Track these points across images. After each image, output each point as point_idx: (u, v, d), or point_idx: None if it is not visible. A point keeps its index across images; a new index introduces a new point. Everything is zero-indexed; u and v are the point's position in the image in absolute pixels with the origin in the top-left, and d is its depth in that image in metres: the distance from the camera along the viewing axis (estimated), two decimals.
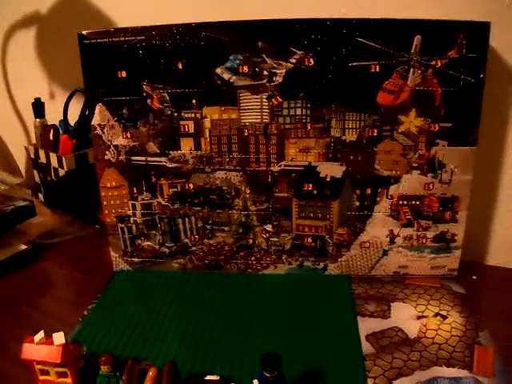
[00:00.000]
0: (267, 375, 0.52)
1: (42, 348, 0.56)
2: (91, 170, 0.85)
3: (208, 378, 0.56)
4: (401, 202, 0.75)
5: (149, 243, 0.81)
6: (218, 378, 0.55)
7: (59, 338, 0.57)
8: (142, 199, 0.79)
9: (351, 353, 0.63)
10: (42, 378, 0.58)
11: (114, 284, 0.80)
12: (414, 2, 0.74)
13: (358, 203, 0.75)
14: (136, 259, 0.82)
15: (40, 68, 1.10)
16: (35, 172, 1.09)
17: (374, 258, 0.78)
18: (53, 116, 1.05)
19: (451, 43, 0.67)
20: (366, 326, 0.68)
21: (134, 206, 0.79)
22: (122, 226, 0.81)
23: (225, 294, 0.76)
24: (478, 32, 0.66)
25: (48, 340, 0.57)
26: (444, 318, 0.70)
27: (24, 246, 0.91)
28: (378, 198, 0.75)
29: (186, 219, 0.79)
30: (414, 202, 0.75)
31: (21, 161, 1.20)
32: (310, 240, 0.78)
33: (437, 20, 0.66)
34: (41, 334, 0.57)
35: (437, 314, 0.70)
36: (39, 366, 0.57)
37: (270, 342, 0.65)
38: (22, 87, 1.10)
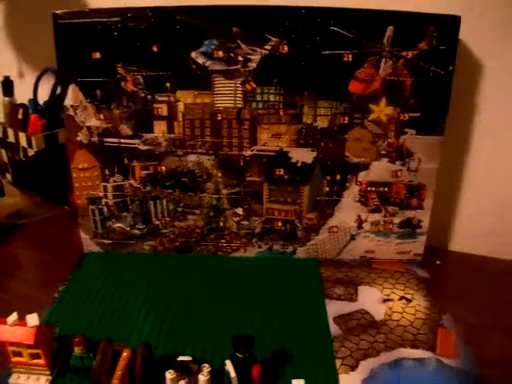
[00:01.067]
0: (239, 356, 0.53)
1: (16, 329, 0.56)
2: (61, 150, 0.85)
3: (180, 358, 0.57)
4: (369, 189, 0.77)
5: (120, 225, 0.81)
6: (190, 358, 0.56)
7: (33, 319, 0.57)
8: (114, 181, 0.79)
9: (320, 334, 0.65)
10: (14, 359, 0.58)
11: (85, 266, 0.80)
12: None
13: (327, 189, 0.77)
14: (107, 241, 0.82)
15: (9, 46, 1.07)
16: (3, 151, 1.07)
17: (341, 242, 0.80)
18: (22, 95, 1.03)
19: (422, 35, 0.68)
20: (334, 308, 0.70)
21: (105, 187, 0.79)
22: (93, 207, 0.80)
23: (195, 276, 0.77)
24: (448, 25, 0.68)
25: (21, 322, 0.57)
26: (409, 301, 0.73)
27: None
28: (348, 184, 0.77)
29: (158, 201, 0.79)
30: (382, 189, 0.77)
31: None
32: (279, 224, 0.79)
33: (409, 12, 0.68)
34: (14, 316, 0.57)
35: (402, 298, 0.73)
36: (12, 348, 0.57)
37: (241, 324, 0.67)
38: None
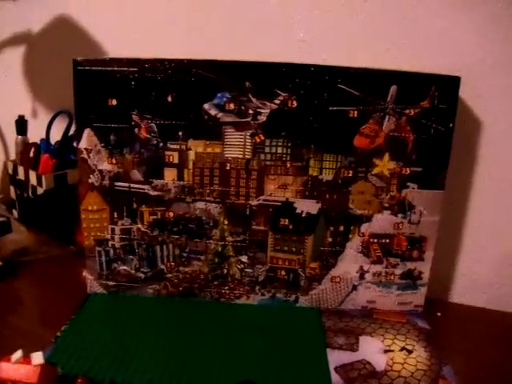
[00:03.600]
0: None
1: (20, 367, 0.57)
2: (70, 190, 0.87)
3: None
4: (371, 240, 0.79)
5: (125, 267, 0.82)
6: None
7: (38, 358, 0.58)
8: (122, 224, 0.80)
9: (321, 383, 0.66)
10: None
11: (88, 306, 0.81)
12: (391, 53, 0.80)
13: (331, 239, 0.79)
14: (111, 283, 0.83)
15: (26, 86, 1.11)
16: (12, 188, 1.09)
17: (343, 292, 0.81)
18: (34, 134, 1.06)
19: (424, 94, 0.72)
20: (336, 358, 0.71)
21: (113, 230, 0.81)
22: (100, 249, 0.82)
23: (198, 321, 0.78)
24: (448, 85, 0.71)
25: (25, 359, 0.57)
26: (410, 352, 0.73)
27: None
28: (350, 235, 0.78)
29: (164, 246, 0.81)
30: (383, 240, 0.79)
31: None
32: (283, 273, 0.80)
33: (412, 72, 0.72)
34: (18, 354, 0.57)
35: (403, 349, 0.74)
36: None
37: (243, 371, 0.67)
38: (6, 104, 1.10)
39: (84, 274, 0.83)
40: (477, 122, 0.81)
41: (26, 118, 1.07)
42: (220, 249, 0.80)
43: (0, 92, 1.13)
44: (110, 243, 0.81)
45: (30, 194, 1.03)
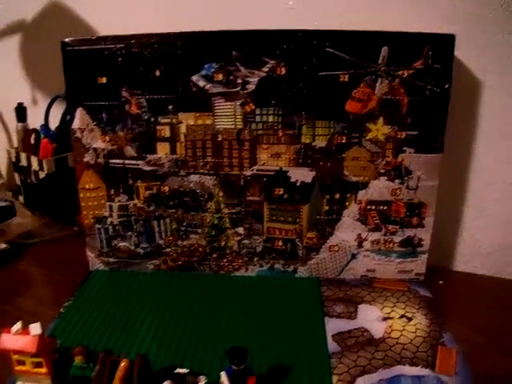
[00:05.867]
0: (234, 368, 0.54)
1: (19, 338, 0.58)
2: (70, 173, 0.87)
3: (177, 371, 0.57)
4: (369, 207, 0.78)
5: (125, 244, 0.83)
6: (187, 371, 0.57)
7: (36, 328, 0.59)
8: (119, 201, 0.81)
9: (318, 351, 0.65)
10: (18, 368, 0.59)
11: (90, 283, 0.82)
12: (381, 14, 0.78)
13: (327, 208, 0.78)
14: (112, 259, 0.84)
15: (23, 74, 1.12)
16: (16, 175, 1.11)
17: (342, 261, 0.80)
18: (34, 120, 1.07)
19: (417, 54, 0.70)
20: (333, 326, 0.70)
21: (111, 207, 0.81)
22: (99, 226, 0.82)
23: (197, 294, 0.78)
24: (443, 43, 0.70)
25: (25, 331, 0.59)
26: (409, 319, 0.72)
27: (4, 245, 0.93)
28: (347, 203, 0.78)
29: (161, 221, 0.81)
30: (381, 207, 0.78)
31: (2, 164, 1.21)
32: (280, 243, 0.80)
33: (403, 32, 0.70)
34: (18, 325, 0.59)
35: (402, 316, 0.73)
36: (16, 357, 0.59)
37: (240, 338, 0.67)
38: (5, 92, 1.11)
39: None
40: (476, 82, 0.79)
41: (24, 105, 1.08)
42: (216, 221, 0.80)
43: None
44: (108, 220, 0.82)
45: (33, 179, 1.04)
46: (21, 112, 1.08)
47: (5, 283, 0.84)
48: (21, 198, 1.12)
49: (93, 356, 0.60)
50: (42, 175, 1.01)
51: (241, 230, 0.80)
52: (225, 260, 0.82)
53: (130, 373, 0.56)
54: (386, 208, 0.78)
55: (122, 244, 0.83)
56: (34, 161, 1.02)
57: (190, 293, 0.78)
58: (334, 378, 0.60)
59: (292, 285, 0.80)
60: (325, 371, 0.62)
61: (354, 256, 0.80)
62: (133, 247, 0.83)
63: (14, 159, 1.09)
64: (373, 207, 0.78)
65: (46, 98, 1.07)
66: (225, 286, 0.80)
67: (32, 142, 1.04)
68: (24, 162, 1.05)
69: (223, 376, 0.54)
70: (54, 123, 1.04)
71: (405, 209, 0.78)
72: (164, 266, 0.83)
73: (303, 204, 0.78)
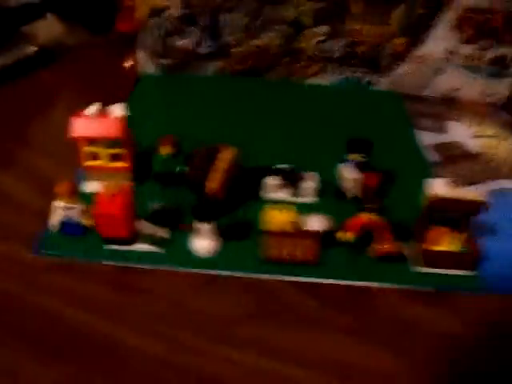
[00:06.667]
0: (360, 158, 0.48)
1: (99, 121, 0.49)
2: None
3: (279, 166, 0.51)
4: (466, 15, 0.69)
5: (184, 42, 0.73)
6: (291, 166, 0.51)
7: (118, 109, 0.50)
8: None
9: (417, 159, 0.61)
10: (89, 163, 0.51)
11: (142, 89, 0.73)
12: None
13: (422, 11, 0.69)
14: (166, 61, 0.74)
15: None
16: None
17: (427, 75, 0.73)
18: None
19: None
20: (427, 138, 0.65)
21: None
22: (155, 20, 0.72)
23: (262, 102, 0.70)
24: None
25: (103, 113, 0.50)
26: (500, 139, 0.67)
27: (34, 48, 0.82)
28: (444, 8, 0.69)
29: (232, 14, 0.71)
30: (479, 17, 0.69)
31: None
32: (363, 48, 0.72)
33: None
34: (95, 106, 0.50)
35: (492, 136, 0.67)
36: (88, 149, 0.50)
37: (330, 146, 0.58)
38: None
39: (134, 57, 0.74)
40: None
41: None
42: (296, 17, 0.70)
43: None
44: (167, 13, 0.71)
45: None
46: None
47: (36, 92, 0.74)
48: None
49: (180, 149, 0.52)
50: None
51: (322, 29, 0.70)
52: (298, 65, 0.73)
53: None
54: (483, 18, 0.69)
55: (180, 42, 0.73)
56: None
57: (254, 100, 0.71)
58: None
59: (371, 97, 0.73)
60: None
61: (440, 70, 0.73)
62: (193, 46, 0.73)
63: None
64: (472, 15, 0.69)
65: None
66: (295, 95, 0.72)
67: None
68: None
69: (345, 167, 0.48)
70: None
71: (504, 21, 0.69)
72: (228, 69, 0.74)
73: (397, 4, 0.68)
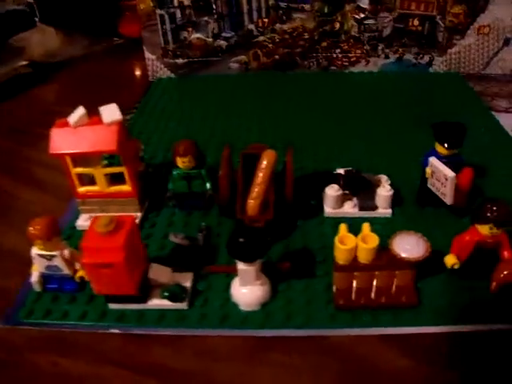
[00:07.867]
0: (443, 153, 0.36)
1: (87, 130, 0.35)
2: None
3: (338, 171, 0.39)
4: None
5: (199, 35, 0.61)
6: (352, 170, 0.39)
7: (111, 112, 0.36)
8: None
9: (509, 146, 0.48)
10: (81, 189, 0.38)
11: (154, 93, 0.61)
12: None
13: None
14: (180, 60, 0.63)
15: None
16: None
17: (492, 49, 0.61)
18: None
19: None
20: (508, 120, 0.52)
21: None
22: (162, 12, 0.60)
23: (302, 95, 0.58)
24: None
25: (92, 119, 0.36)
26: None
27: (24, 62, 0.71)
28: None
29: None
30: None
31: None
32: (416, 23, 0.60)
33: None
34: (79, 112, 0.36)
35: None
36: (78, 169, 0.37)
37: (398, 146, 0.48)
38: None
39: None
40: None
41: None
42: None
43: None
44: (175, 1, 0.60)
45: None
46: None
47: (36, 105, 0.63)
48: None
49: (204, 160, 0.40)
50: None
51: (364, 3, 0.58)
52: (338, 51, 0.62)
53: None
54: None
55: (195, 36, 0.62)
56: None
57: (287, 94, 0.58)
58: None
59: (428, 81, 0.61)
60: None
61: (507, 41, 0.61)
62: (210, 39, 0.62)
63: None
64: None
65: None
66: (340, 86, 0.60)
67: None
68: None
69: (435, 161, 0.36)
70: None
71: None
72: (254, 64, 0.63)
73: None
